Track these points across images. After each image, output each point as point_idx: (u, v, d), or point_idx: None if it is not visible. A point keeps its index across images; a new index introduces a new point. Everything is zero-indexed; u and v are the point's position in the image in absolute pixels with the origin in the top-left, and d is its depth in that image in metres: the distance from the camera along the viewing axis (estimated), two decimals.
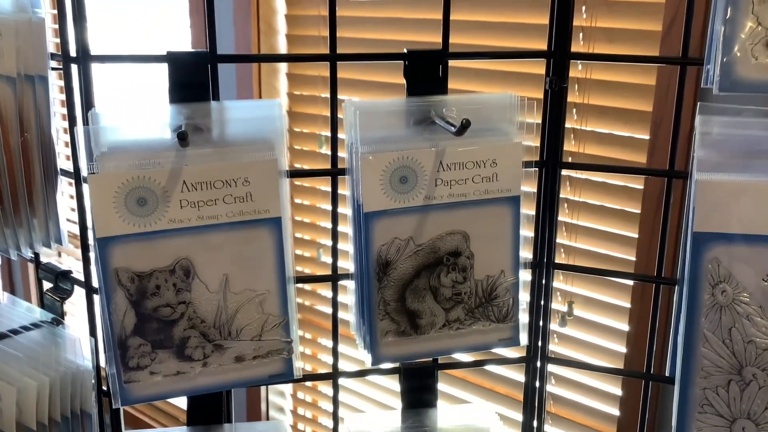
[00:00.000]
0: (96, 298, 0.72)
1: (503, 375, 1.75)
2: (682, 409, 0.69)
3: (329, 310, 1.99)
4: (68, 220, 0.74)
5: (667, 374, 0.76)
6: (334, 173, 0.74)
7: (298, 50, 1.92)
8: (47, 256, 0.73)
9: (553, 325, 1.73)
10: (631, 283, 1.53)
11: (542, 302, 0.79)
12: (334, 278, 0.77)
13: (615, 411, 1.63)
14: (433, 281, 0.71)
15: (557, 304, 1.71)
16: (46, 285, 0.79)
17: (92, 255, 0.65)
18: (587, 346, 1.70)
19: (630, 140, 1.50)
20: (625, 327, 1.60)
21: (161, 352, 0.65)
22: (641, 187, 1.51)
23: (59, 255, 2.50)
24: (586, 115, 1.53)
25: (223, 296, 0.65)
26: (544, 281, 0.78)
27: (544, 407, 0.83)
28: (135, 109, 0.65)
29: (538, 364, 0.81)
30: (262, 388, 2.17)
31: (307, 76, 1.94)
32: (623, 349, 1.61)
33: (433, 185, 0.68)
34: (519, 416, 0.84)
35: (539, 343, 0.80)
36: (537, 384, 0.82)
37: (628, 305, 1.59)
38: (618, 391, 1.62)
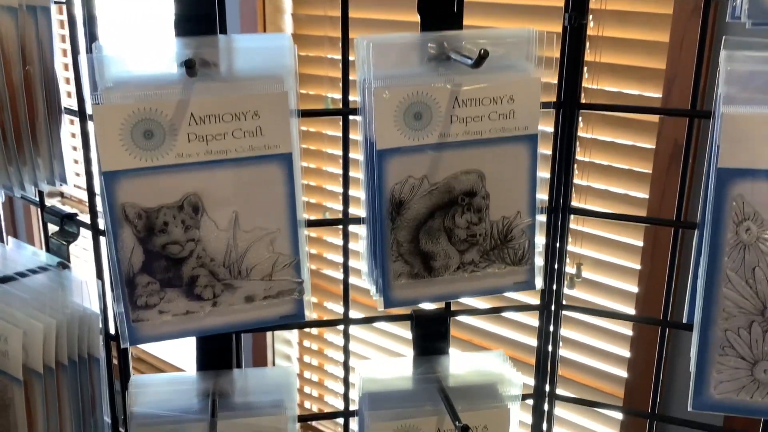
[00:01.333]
0: (103, 240, 0.70)
1: (515, 338, 1.74)
2: (702, 352, 0.67)
3: (338, 257, 1.98)
4: (75, 161, 0.72)
5: (684, 321, 0.74)
6: (345, 113, 0.72)
7: (303, 9, 1.89)
8: (51, 197, 0.71)
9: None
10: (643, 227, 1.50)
11: (558, 245, 0.77)
12: (344, 222, 0.75)
13: (623, 373, 1.63)
14: (447, 222, 0.69)
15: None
16: (52, 229, 0.77)
17: (98, 193, 0.63)
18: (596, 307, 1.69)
19: (646, 72, 1.46)
20: (634, 289, 1.59)
21: (170, 291, 0.63)
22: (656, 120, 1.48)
23: (61, 195, 2.48)
24: (601, 48, 1.50)
25: (233, 234, 0.63)
26: (560, 224, 0.76)
27: (558, 353, 0.82)
28: (140, 42, 0.62)
29: (553, 308, 0.80)
30: (268, 337, 2.17)
31: (314, 16, 1.90)
32: (632, 311, 1.60)
33: (448, 122, 0.66)
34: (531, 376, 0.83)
35: (554, 287, 0.78)
36: (551, 328, 0.80)
37: (638, 266, 1.57)
38: (626, 353, 1.61)
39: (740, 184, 0.63)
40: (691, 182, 1.20)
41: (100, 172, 0.60)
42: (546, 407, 0.83)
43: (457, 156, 0.67)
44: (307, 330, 2.17)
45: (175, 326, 0.65)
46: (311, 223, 0.74)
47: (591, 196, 1.59)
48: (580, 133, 1.55)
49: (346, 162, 0.74)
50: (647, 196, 1.52)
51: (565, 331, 1.67)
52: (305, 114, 0.69)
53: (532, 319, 1.65)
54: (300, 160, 0.65)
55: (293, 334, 2.21)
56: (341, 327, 0.79)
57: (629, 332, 1.61)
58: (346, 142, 0.74)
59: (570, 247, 1.66)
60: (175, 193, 0.61)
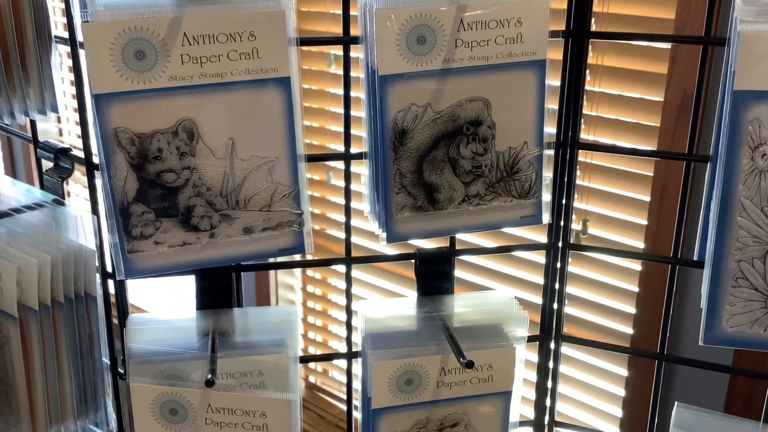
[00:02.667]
0: (97, 175, 0.68)
1: (522, 277, 1.72)
2: (714, 285, 0.65)
3: (339, 199, 1.95)
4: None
5: (695, 258, 0.72)
6: (346, 42, 0.69)
7: None
8: (45, 120, 0.69)
9: None
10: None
11: (566, 180, 0.75)
12: (346, 157, 0.73)
13: (629, 329, 1.61)
14: (452, 152, 0.67)
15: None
16: (47, 166, 0.75)
17: (91, 124, 0.61)
18: (601, 265, 1.67)
19: None
20: (640, 245, 1.57)
21: (166, 221, 0.62)
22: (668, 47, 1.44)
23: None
24: None
25: (230, 162, 0.61)
26: (568, 158, 0.74)
27: (565, 291, 0.80)
28: None
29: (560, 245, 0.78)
30: (271, 282, 2.16)
31: None
32: (638, 267, 1.58)
33: (452, 47, 0.63)
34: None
35: (561, 223, 0.76)
36: (558, 265, 0.78)
37: (644, 222, 1.55)
38: (632, 309, 1.60)
39: (757, 107, 0.60)
40: (704, 113, 1.17)
41: (91, 95, 0.57)
42: (552, 346, 0.82)
43: (462, 83, 0.65)
44: (310, 274, 2.15)
45: (172, 258, 0.63)
46: (312, 158, 0.72)
47: (600, 127, 1.55)
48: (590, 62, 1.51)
49: (347, 96, 0.71)
50: (656, 143, 1.49)
51: (571, 289, 1.66)
52: (304, 42, 0.67)
53: (540, 257, 1.64)
54: (300, 88, 0.63)
55: (296, 279, 2.19)
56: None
57: (635, 289, 1.59)
58: (347, 74, 0.71)
59: (576, 204, 1.64)
60: (169, 118, 0.59)
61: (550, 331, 0.82)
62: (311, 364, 2.34)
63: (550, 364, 0.82)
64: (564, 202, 0.75)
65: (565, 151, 0.74)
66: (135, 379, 0.68)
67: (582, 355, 1.69)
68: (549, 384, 0.84)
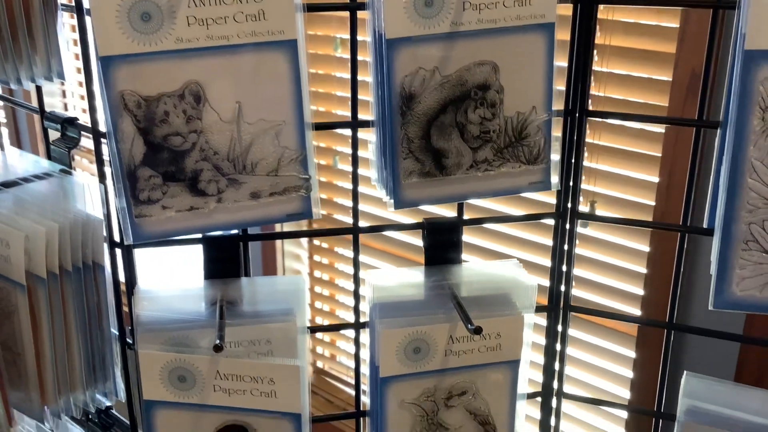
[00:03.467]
0: (104, 143, 0.68)
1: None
2: (724, 248, 0.65)
3: (347, 184, 1.94)
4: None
5: (705, 226, 0.72)
6: (353, 7, 0.69)
7: None
8: (50, 95, 0.69)
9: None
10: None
11: (574, 145, 0.74)
12: (353, 125, 0.73)
13: (637, 311, 1.61)
14: (459, 117, 0.66)
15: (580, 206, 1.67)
16: (54, 137, 0.75)
17: (96, 84, 0.60)
18: (610, 246, 1.67)
19: None
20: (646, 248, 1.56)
21: (173, 185, 0.61)
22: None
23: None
24: None
25: (237, 126, 0.61)
26: (577, 119, 0.73)
27: (573, 256, 0.80)
28: None
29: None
30: (278, 252, 2.15)
31: None
32: (646, 248, 1.57)
33: (460, 9, 0.63)
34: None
35: (570, 183, 0.76)
36: (567, 226, 0.78)
37: (653, 203, 1.54)
38: (640, 291, 1.59)
39: None
40: (714, 87, 1.15)
41: (97, 57, 0.57)
42: (561, 313, 0.82)
43: (470, 46, 0.64)
44: (317, 243, 2.15)
45: (180, 223, 0.63)
46: (319, 126, 0.72)
47: (609, 107, 1.53)
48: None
49: (354, 62, 0.71)
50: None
51: (578, 271, 1.65)
52: (310, 8, 0.66)
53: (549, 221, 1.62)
54: (306, 52, 0.62)
55: (303, 249, 2.19)
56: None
57: (643, 270, 1.59)
58: (354, 41, 0.71)
59: (583, 185, 1.63)
60: (175, 81, 0.59)
61: (558, 300, 0.82)
62: (319, 350, 2.35)
63: (559, 328, 0.82)
64: (573, 162, 0.75)
65: (573, 118, 0.74)
66: (143, 346, 0.68)
67: (589, 337, 1.69)
68: (557, 347, 0.84)
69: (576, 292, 1.68)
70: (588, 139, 1.58)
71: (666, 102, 1.48)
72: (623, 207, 1.59)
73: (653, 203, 1.54)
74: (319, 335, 2.32)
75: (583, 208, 1.65)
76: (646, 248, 1.57)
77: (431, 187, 0.68)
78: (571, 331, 1.70)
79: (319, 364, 2.36)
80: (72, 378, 0.75)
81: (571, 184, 0.78)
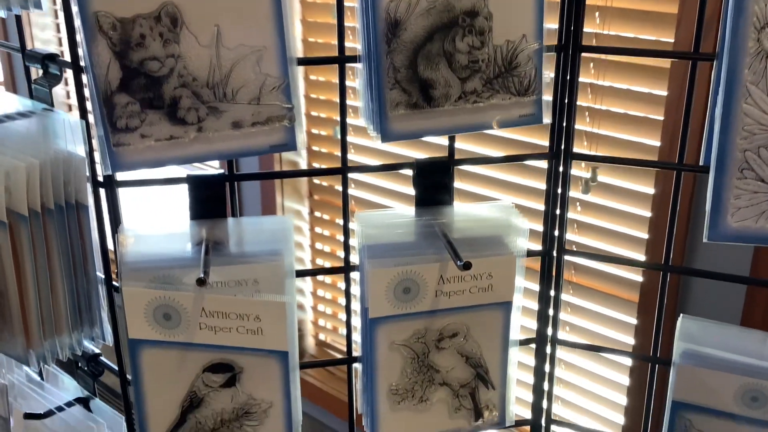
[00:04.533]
0: (85, 78, 0.67)
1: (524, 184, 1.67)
2: (719, 177, 0.63)
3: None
4: None
5: (701, 163, 0.70)
6: None
7: None
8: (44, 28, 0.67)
9: (576, 193, 1.67)
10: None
11: (567, 80, 0.72)
12: (341, 60, 0.71)
13: (638, 278, 1.59)
14: (447, 46, 0.64)
15: (580, 171, 1.65)
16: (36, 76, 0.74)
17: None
18: (612, 213, 1.65)
19: None
20: (650, 190, 1.54)
21: (151, 113, 0.60)
22: None
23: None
24: None
25: (216, 52, 0.60)
26: (570, 54, 0.71)
27: (568, 198, 0.78)
28: None
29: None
30: (277, 190, 2.13)
31: None
32: (648, 213, 1.55)
33: None
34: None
35: (563, 123, 0.74)
36: (561, 169, 0.76)
37: (654, 170, 1.52)
38: (644, 235, 1.55)
39: None
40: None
41: None
42: (555, 256, 0.80)
43: None
44: (317, 182, 2.12)
45: (159, 152, 0.61)
46: (302, 62, 0.70)
47: (610, 71, 1.50)
48: None
49: None
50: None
51: (580, 238, 1.63)
52: None
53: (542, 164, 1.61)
54: None
55: (302, 191, 2.17)
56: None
57: (644, 236, 1.56)
58: None
59: (585, 151, 1.61)
60: (151, 2, 0.57)
61: (552, 244, 0.80)
62: (321, 322, 2.34)
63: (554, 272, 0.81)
64: (567, 102, 0.73)
65: (567, 54, 0.72)
66: (127, 284, 0.67)
67: (590, 305, 1.67)
68: (552, 293, 0.82)
69: (576, 259, 1.67)
70: (589, 104, 1.55)
71: (667, 64, 1.46)
72: (625, 173, 1.57)
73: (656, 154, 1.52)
74: (321, 308, 2.32)
75: (585, 173, 1.63)
76: (648, 213, 1.55)
77: (419, 120, 0.66)
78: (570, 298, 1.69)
79: (322, 336, 2.35)
80: (57, 321, 0.74)
81: (564, 124, 0.76)
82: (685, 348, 0.76)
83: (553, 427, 0.87)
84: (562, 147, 0.77)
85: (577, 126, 1.54)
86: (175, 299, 0.67)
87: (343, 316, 2.23)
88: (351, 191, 1.95)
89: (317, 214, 2.21)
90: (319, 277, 2.27)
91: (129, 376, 0.76)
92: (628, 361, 1.63)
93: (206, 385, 0.70)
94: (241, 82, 0.61)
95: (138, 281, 0.67)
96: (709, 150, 0.68)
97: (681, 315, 0.77)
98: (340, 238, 2.13)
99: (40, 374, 0.86)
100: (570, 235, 1.65)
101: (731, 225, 0.64)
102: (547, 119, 0.69)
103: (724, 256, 1.31)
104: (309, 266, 2.27)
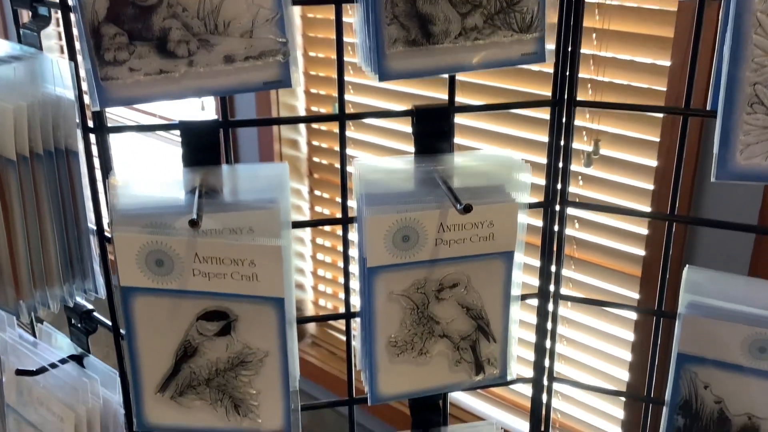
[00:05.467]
0: (73, 17, 0.65)
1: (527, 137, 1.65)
2: (728, 112, 0.61)
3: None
4: None
5: (708, 107, 0.68)
6: None
7: None
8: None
9: (577, 167, 1.65)
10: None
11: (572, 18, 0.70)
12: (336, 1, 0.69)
13: (641, 251, 1.57)
14: None
15: (582, 144, 1.63)
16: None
17: None
18: (614, 186, 1.63)
19: None
20: (653, 163, 1.51)
21: (140, 45, 0.58)
22: None
23: None
24: None
25: None
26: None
27: (571, 150, 0.76)
28: None
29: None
30: (275, 139, 2.11)
31: None
32: (651, 186, 1.53)
33: None
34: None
35: (566, 71, 0.72)
36: (564, 120, 0.74)
37: (657, 139, 1.50)
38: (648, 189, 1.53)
39: None
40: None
41: None
42: (558, 209, 0.78)
43: None
44: (315, 127, 2.10)
45: (149, 88, 0.59)
46: (297, 2, 0.68)
47: (613, 42, 1.47)
48: None
49: None
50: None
51: (580, 212, 1.61)
52: None
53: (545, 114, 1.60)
54: None
55: (301, 136, 2.15)
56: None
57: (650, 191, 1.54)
58: None
59: (587, 124, 1.59)
60: None
61: (554, 197, 0.79)
62: (321, 302, 2.33)
63: (556, 227, 0.79)
64: (570, 50, 0.71)
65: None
66: (119, 229, 0.65)
67: (594, 282, 1.66)
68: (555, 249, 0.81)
69: (577, 233, 1.65)
70: (592, 76, 1.53)
71: (671, 34, 1.43)
72: (628, 145, 1.55)
73: (658, 139, 1.50)
74: (321, 287, 2.30)
75: (587, 147, 1.61)
76: (650, 185, 1.53)
77: (417, 58, 0.64)
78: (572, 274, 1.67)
79: (321, 302, 2.34)
80: (48, 271, 0.72)
81: (567, 72, 0.74)
82: (690, 299, 0.74)
83: (555, 385, 0.85)
84: (566, 95, 0.75)
85: (581, 75, 1.51)
86: (167, 244, 0.65)
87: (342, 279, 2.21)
88: (349, 134, 1.94)
89: (317, 192, 2.20)
90: (318, 241, 2.25)
91: (122, 331, 0.74)
92: (632, 316, 1.61)
93: (200, 334, 0.68)
94: (232, 13, 0.59)
95: (129, 226, 0.65)
96: (717, 94, 0.66)
97: (687, 266, 0.75)
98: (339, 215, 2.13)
99: (33, 332, 0.85)
100: (574, 189, 1.63)
101: (740, 163, 0.62)
102: (549, 58, 0.67)
103: (732, 205, 1.29)
104: (308, 243, 2.25)
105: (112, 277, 0.74)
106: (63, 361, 0.81)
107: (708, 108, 0.68)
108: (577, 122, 1.59)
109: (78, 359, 0.82)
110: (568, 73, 0.74)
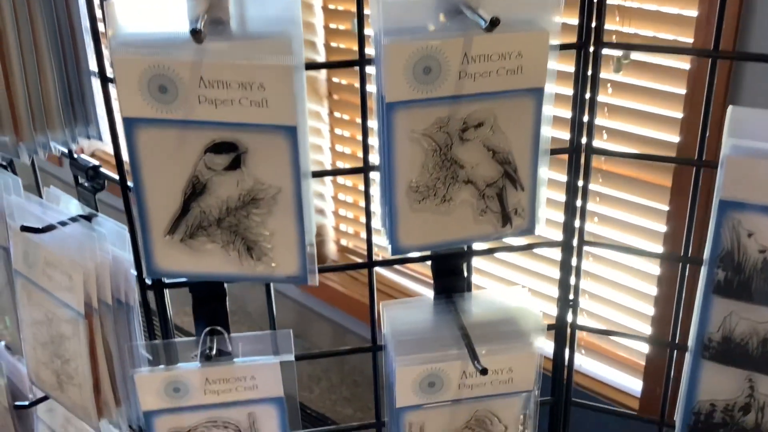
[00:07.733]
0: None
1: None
2: None
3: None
4: None
5: None
6: None
7: None
8: None
9: (606, 74, 1.58)
10: None
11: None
12: None
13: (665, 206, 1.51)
14: None
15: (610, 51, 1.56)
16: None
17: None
18: (645, 93, 1.56)
19: None
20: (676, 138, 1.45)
21: None
22: None
23: None
24: None
25: None
26: None
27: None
28: None
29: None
30: None
31: None
32: (679, 115, 1.47)
33: None
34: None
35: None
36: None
37: (691, 39, 1.43)
38: (674, 137, 1.48)
39: None
40: None
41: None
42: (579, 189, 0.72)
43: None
44: (335, 80, 2.06)
45: None
46: None
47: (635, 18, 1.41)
48: None
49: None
50: None
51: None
52: None
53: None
54: None
55: (321, 87, 2.11)
56: None
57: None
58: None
59: (618, 27, 1.52)
60: None
61: (588, 37, 0.73)
62: (342, 227, 2.29)
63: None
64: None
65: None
66: (118, 52, 0.61)
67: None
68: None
69: (612, 100, 1.59)
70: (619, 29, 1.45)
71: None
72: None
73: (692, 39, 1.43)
74: (342, 212, 2.26)
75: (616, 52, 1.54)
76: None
77: None
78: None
79: (344, 242, 2.31)
80: (48, 113, 0.69)
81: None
82: (734, 142, 0.69)
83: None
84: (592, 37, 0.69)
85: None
86: (170, 68, 0.61)
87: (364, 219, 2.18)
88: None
89: (336, 114, 2.15)
90: (340, 180, 2.22)
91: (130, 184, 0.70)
92: (658, 249, 1.57)
93: (209, 168, 0.64)
94: None
95: (130, 48, 0.61)
96: None
97: (730, 106, 0.69)
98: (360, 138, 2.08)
99: (39, 194, 0.81)
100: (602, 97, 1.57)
101: None
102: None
103: None
104: (329, 183, 2.22)
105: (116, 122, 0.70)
106: (72, 220, 0.77)
107: None
108: (607, 26, 1.53)
109: (87, 219, 0.79)
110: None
